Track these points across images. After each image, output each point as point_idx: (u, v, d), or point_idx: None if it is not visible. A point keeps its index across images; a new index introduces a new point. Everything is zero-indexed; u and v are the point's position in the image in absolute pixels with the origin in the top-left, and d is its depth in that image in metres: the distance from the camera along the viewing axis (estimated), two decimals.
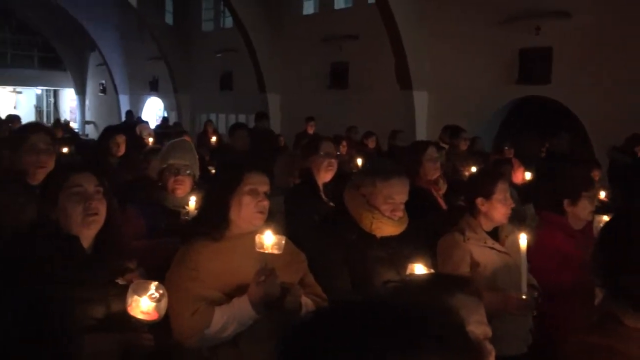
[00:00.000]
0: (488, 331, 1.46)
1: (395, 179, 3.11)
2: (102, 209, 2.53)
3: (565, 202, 3.70)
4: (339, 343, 0.92)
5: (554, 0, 10.87)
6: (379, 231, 3.12)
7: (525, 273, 3.09)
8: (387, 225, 3.11)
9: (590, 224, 3.71)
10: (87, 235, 2.51)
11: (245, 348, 2.63)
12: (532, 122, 11.52)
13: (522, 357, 3.33)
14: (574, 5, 10.62)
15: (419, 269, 2.85)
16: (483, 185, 3.47)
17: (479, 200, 3.43)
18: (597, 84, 10.27)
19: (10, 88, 30.77)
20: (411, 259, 2.97)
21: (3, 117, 12.45)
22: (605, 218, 3.45)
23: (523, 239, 3.10)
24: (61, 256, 2.42)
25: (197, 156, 4.13)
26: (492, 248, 3.41)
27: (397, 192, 3.10)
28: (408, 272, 2.85)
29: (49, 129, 4.05)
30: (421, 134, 12.33)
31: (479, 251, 3.34)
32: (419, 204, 3.34)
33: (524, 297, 3.05)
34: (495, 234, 3.51)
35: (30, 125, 4.23)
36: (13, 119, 11.00)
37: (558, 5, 10.78)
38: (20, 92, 31.24)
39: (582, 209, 3.69)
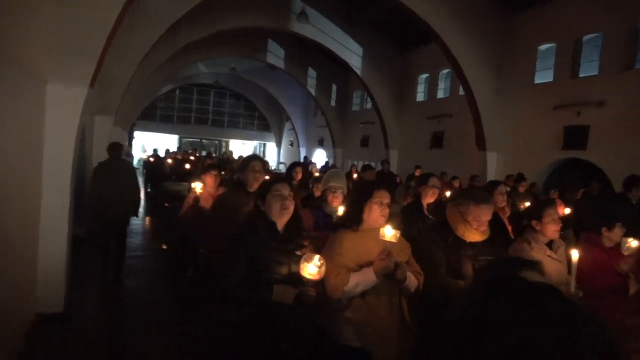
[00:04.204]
0: None
1: (484, 205, 2.93)
2: (291, 207, 2.61)
3: (604, 228, 3.32)
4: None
5: (593, 93, 9.94)
6: (468, 238, 2.94)
7: (574, 277, 2.79)
8: (474, 234, 2.94)
9: (618, 244, 3.24)
10: (281, 222, 2.60)
11: (370, 300, 2.62)
12: (572, 174, 10.50)
13: None
14: (608, 96, 9.68)
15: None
16: (537, 212, 3.24)
17: (534, 222, 3.22)
18: (622, 150, 9.25)
19: (240, 141, 32.77)
20: (489, 258, 2.80)
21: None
22: (631, 240, 3.10)
23: (575, 254, 2.82)
24: (266, 232, 2.54)
25: (346, 181, 4.12)
26: (549, 256, 3.15)
27: (484, 214, 2.93)
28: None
29: (262, 159, 4.28)
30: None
31: (540, 257, 3.05)
32: (491, 222, 3.09)
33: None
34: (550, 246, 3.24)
35: (251, 155, 4.45)
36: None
37: (596, 96, 9.86)
38: (244, 144, 33.14)
39: (616, 234, 3.29)
